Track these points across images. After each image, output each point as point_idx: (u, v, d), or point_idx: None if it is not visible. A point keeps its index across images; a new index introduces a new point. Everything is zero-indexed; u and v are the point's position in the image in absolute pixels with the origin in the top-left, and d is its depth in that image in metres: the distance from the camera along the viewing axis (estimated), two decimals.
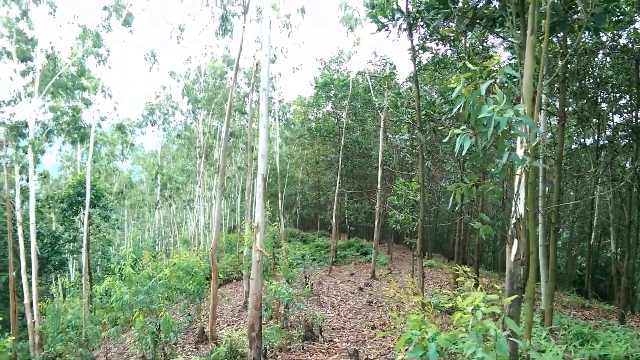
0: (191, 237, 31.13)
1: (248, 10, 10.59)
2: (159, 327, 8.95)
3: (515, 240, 4.16)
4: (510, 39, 7.40)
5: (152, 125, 31.85)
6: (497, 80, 3.66)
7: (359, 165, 29.50)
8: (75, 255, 24.43)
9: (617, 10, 8.94)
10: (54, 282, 26.00)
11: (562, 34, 8.04)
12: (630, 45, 10.45)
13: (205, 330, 10.92)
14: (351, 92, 22.34)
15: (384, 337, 9.12)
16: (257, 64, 16.73)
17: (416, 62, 9.91)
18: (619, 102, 12.90)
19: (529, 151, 4.20)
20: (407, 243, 17.34)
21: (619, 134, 13.24)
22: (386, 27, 8.08)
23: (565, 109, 10.21)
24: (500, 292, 3.91)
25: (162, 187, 34.15)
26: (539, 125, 9.00)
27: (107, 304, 14.67)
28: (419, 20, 7.84)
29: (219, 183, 10.33)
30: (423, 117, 11.50)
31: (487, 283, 14.40)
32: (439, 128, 12.88)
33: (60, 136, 18.81)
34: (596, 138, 14.05)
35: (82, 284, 16.95)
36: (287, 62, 51.46)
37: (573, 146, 16.64)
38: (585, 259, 18.58)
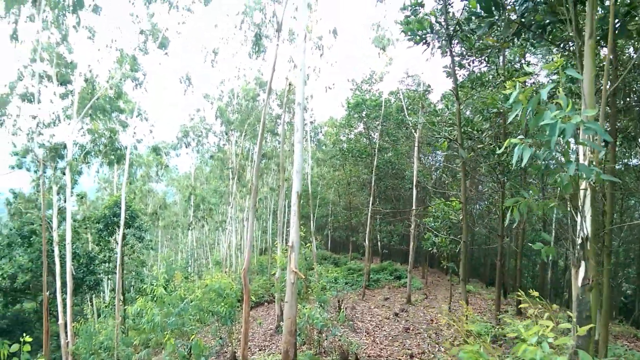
0: (223, 258, 31.13)
1: (282, 28, 10.61)
2: (190, 351, 8.72)
3: (583, 263, 3.70)
4: (554, 48, 7.00)
5: (186, 147, 32.52)
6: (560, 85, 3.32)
7: (392, 186, 28.93)
8: (110, 276, 24.78)
9: None
10: (88, 302, 26.42)
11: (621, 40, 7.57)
12: None
13: (236, 354, 10.63)
14: (383, 112, 22.08)
15: None
16: (289, 84, 16.78)
17: (455, 77, 9.57)
18: None
19: (594, 163, 3.78)
20: (444, 267, 16.62)
21: None
22: (424, 40, 7.81)
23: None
24: (560, 321, 3.49)
25: (195, 208, 34.56)
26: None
27: (139, 325, 14.64)
28: (458, 32, 7.53)
29: (252, 203, 10.19)
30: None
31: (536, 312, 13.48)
32: (478, 147, 12.42)
33: (98, 158, 19.24)
34: None
35: (115, 305, 17.03)
36: (319, 81, 51.80)
37: (617, 166, 15.69)
38: (631, 286, 17.26)
